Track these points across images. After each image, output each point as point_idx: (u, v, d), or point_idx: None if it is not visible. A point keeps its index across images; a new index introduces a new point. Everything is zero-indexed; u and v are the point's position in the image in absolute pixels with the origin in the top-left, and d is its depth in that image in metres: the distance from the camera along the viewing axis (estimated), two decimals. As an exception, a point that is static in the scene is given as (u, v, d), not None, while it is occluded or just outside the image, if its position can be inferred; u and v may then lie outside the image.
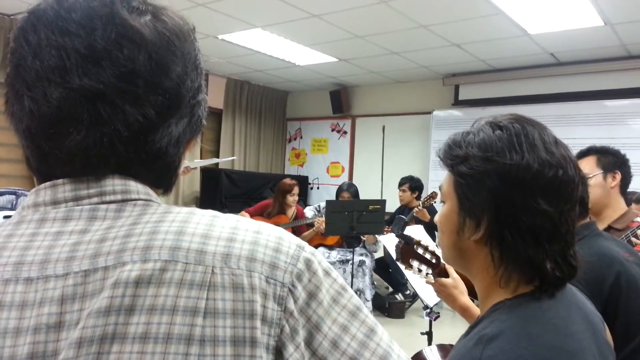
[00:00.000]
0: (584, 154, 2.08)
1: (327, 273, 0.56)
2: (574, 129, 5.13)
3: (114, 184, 0.57)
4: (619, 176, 2.02)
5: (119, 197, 0.56)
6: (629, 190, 2.13)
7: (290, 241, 0.56)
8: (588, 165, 2.03)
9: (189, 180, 6.63)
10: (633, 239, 1.82)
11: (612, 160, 2.03)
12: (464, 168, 0.85)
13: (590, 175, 1.98)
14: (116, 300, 0.49)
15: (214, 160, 5.95)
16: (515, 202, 0.81)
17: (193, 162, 4.77)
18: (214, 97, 6.68)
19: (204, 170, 6.69)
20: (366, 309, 0.58)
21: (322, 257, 0.58)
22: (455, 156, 0.88)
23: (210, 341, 0.49)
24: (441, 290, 1.40)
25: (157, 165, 0.59)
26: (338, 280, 0.57)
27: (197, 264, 0.51)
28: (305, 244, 0.58)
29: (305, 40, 5.06)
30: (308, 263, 0.55)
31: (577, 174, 0.85)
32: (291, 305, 0.52)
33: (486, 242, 0.85)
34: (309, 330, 0.53)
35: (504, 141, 0.83)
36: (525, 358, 0.75)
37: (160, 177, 0.61)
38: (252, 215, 4.64)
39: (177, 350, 0.48)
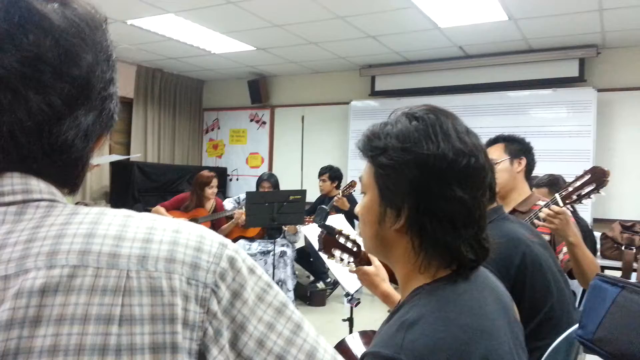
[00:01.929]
0: (492, 141, 2.21)
1: (251, 271, 0.54)
2: (481, 119, 5.43)
3: (13, 183, 0.51)
4: (524, 162, 2.16)
5: (19, 197, 0.51)
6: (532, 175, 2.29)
7: (212, 239, 0.53)
8: (496, 152, 2.15)
9: (97, 174, 6.26)
10: (535, 221, 1.94)
11: (518, 147, 2.17)
12: (383, 159, 0.87)
13: (498, 161, 2.09)
14: (19, 311, 0.44)
15: (119, 157, 5.61)
16: (433, 190, 0.84)
17: (99, 158, 4.49)
18: (123, 85, 6.33)
19: (114, 163, 6.32)
20: (292, 305, 0.56)
21: (246, 255, 0.55)
22: (374, 147, 0.89)
23: (127, 350, 0.45)
24: (364, 278, 1.42)
25: (62, 161, 0.54)
26: (263, 277, 0.55)
27: (110, 268, 0.47)
28: (228, 241, 0.55)
29: (221, 27, 4.93)
30: (232, 261, 0.52)
31: (487, 161, 0.89)
32: (214, 306, 0.50)
33: (407, 230, 0.87)
34: (233, 331, 0.50)
35: (421, 132, 0.85)
36: (445, 340, 0.77)
37: (66, 174, 0.56)
38: (168, 210, 4.47)
39: None
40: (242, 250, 0.55)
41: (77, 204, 0.55)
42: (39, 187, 0.52)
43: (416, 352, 0.75)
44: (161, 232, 0.52)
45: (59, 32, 0.51)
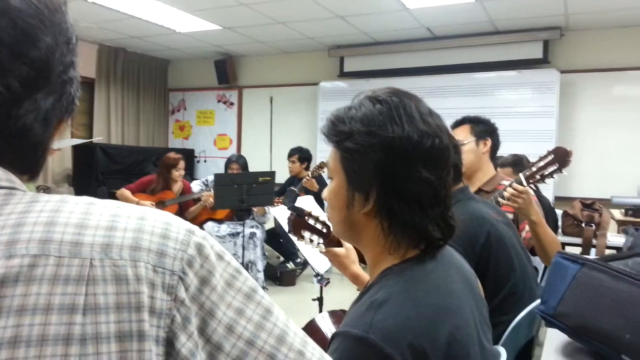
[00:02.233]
0: (459, 123, 2.24)
1: (220, 257, 0.53)
2: (447, 100, 5.49)
3: None
4: (489, 143, 2.20)
5: None
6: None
7: (179, 226, 0.52)
8: (462, 133, 2.18)
9: (59, 156, 6.07)
10: (500, 200, 1.99)
11: (484, 128, 2.20)
12: (349, 144, 0.87)
13: (465, 142, 2.13)
14: None
15: (80, 141, 5.44)
16: (400, 172, 0.85)
17: (60, 142, 4.34)
18: (84, 65, 6.11)
19: (76, 145, 6.13)
20: (261, 290, 0.56)
21: (214, 241, 0.54)
22: (339, 132, 0.89)
23: (92, 339, 0.44)
24: (334, 260, 1.43)
25: (21, 146, 0.52)
26: (232, 263, 0.54)
27: (73, 257, 0.46)
28: (195, 228, 0.54)
29: (186, 5, 4.80)
30: (199, 248, 0.52)
31: (450, 141, 0.90)
32: (182, 293, 0.49)
33: (375, 214, 0.88)
34: (202, 317, 0.50)
35: (385, 115, 0.86)
36: (413, 319, 0.79)
37: (26, 160, 0.54)
38: (134, 192, 4.38)
39: (55, 352, 0.43)
40: (210, 237, 0.54)
41: (38, 187, 0.53)
42: None
43: (385, 330, 0.77)
44: (125, 219, 0.50)
45: (16, 12, 0.49)
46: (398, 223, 0.87)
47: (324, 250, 1.44)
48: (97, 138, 6.09)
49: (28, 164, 0.55)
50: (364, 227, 0.91)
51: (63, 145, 4.54)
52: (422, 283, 0.85)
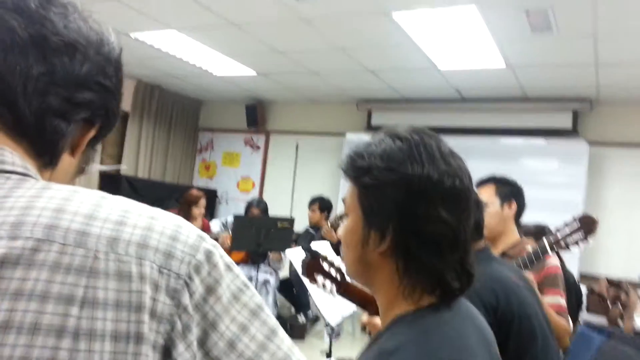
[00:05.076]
0: (484, 181, 2.20)
1: (228, 267, 0.51)
2: (472, 162, 5.22)
3: None
4: (514, 205, 2.15)
5: None
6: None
7: (190, 230, 0.50)
8: (487, 193, 2.14)
9: (85, 183, 6.19)
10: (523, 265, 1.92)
11: (509, 190, 2.16)
12: (367, 179, 0.85)
13: (489, 203, 2.08)
14: None
15: (103, 167, 5.56)
16: (418, 211, 0.82)
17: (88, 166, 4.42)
18: (121, 98, 6.33)
19: (103, 175, 6.27)
20: (268, 309, 0.53)
21: (224, 252, 0.52)
22: (358, 167, 0.87)
23: (86, 334, 0.42)
24: (374, 330, 1.39)
25: (47, 131, 0.53)
26: (240, 276, 0.52)
27: (77, 247, 0.44)
28: (206, 235, 0.52)
29: (223, 48, 4.97)
30: (209, 255, 0.49)
31: (470, 183, 0.88)
32: (186, 299, 0.46)
33: (391, 253, 0.85)
34: (203, 328, 0.47)
35: (405, 152, 0.84)
36: None
37: (46, 146, 0.54)
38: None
39: (45, 343, 0.41)
40: (220, 247, 0.52)
41: None
42: (13, 159, 0.50)
43: (394, 382, 0.72)
44: (136, 216, 0.49)
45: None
46: (414, 265, 0.83)
47: (336, 296, 1.39)
48: (123, 167, 6.20)
49: (46, 147, 0.55)
50: (379, 267, 0.87)
51: (90, 170, 4.64)
52: (435, 334, 0.81)
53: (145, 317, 0.44)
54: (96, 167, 4.81)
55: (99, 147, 0.62)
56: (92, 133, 0.59)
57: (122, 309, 0.44)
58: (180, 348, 0.45)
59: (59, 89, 0.53)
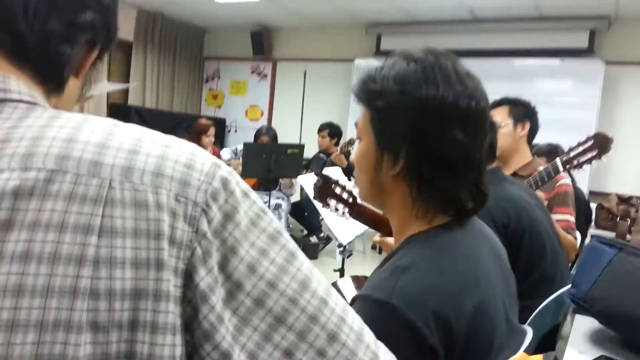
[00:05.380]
0: (497, 103, 2.17)
1: (245, 194, 0.51)
2: (485, 85, 5.25)
3: None
4: (527, 126, 2.13)
5: None
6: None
7: (204, 157, 0.50)
8: (500, 115, 2.11)
9: (93, 114, 6.18)
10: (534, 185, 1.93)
11: (523, 111, 2.13)
12: (380, 102, 0.84)
13: (502, 125, 2.06)
14: None
15: (117, 86, 5.50)
16: (432, 133, 0.81)
17: (95, 87, 4.37)
18: (123, 28, 6.13)
19: (112, 106, 6.24)
20: (287, 234, 0.53)
21: (240, 178, 0.52)
22: (370, 91, 0.85)
23: (105, 262, 0.42)
24: (387, 249, 1.42)
25: (51, 52, 0.52)
26: (257, 202, 0.52)
27: (91, 176, 0.44)
28: (222, 162, 0.51)
29: (226, -28, 4.76)
30: (225, 182, 0.49)
31: (487, 105, 0.86)
32: (204, 226, 0.46)
33: (404, 176, 0.85)
34: (223, 253, 0.47)
35: (419, 74, 0.82)
36: (438, 287, 0.76)
37: (51, 69, 0.53)
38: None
39: (66, 272, 0.41)
40: (235, 173, 0.52)
41: None
42: (19, 88, 0.49)
43: (408, 296, 0.74)
44: (149, 144, 0.48)
45: None
46: (427, 187, 0.83)
47: (349, 218, 1.41)
48: (130, 85, 6.15)
49: (53, 74, 0.54)
50: (392, 190, 0.87)
51: (98, 90, 4.60)
52: (450, 251, 0.82)
53: (165, 244, 0.44)
54: (103, 87, 4.77)
55: (102, 71, 0.60)
56: (94, 54, 0.58)
57: (141, 237, 0.44)
58: (201, 272, 0.46)
59: (60, 11, 0.51)
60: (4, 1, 0.49)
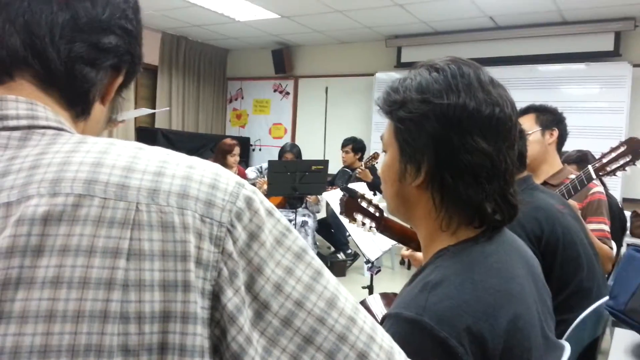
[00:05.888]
0: (523, 111, 2.13)
1: (269, 213, 0.51)
2: (510, 93, 5.26)
3: (18, 108, 0.49)
4: (556, 133, 2.08)
5: (23, 122, 0.49)
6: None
7: (228, 178, 0.50)
8: (527, 122, 2.07)
9: (122, 138, 6.32)
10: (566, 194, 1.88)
11: (550, 118, 2.09)
12: (402, 113, 0.83)
13: (530, 132, 2.02)
14: (20, 239, 0.42)
15: (146, 111, 5.63)
16: (454, 142, 0.80)
17: (124, 113, 4.48)
18: (148, 52, 6.29)
19: (139, 130, 6.38)
20: (312, 252, 0.53)
21: (264, 197, 0.52)
22: (393, 102, 0.85)
23: (135, 285, 0.43)
24: (416, 264, 1.40)
25: (77, 77, 0.53)
26: (282, 220, 0.52)
27: (118, 200, 0.44)
28: (245, 181, 0.52)
29: (246, -6, 4.85)
30: (249, 201, 0.49)
31: (513, 112, 0.85)
32: (230, 246, 0.46)
33: (427, 186, 0.84)
34: (249, 273, 0.47)
35: (441, 82, 0.81)
36: (470, 303, 0.74)
37: (76, 95, 0.54)
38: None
39: (96, 296, 0.42)
40: (259, 192, 0.52)
41: None
42: (46, 114, 0.50)
43: (439, 313, 0.72)
44: (174, 166, 0.49)
45: None
46: (450, 197, 0.82)
47: (376, 233, 1.40)
48: (161, 109, 6.27)
49: (76, 97, 0.55)
50: (416, 201, 0.87)
51: (128, 116, 4.70)
52: (481, 265, 0.80)
53: (192, 265, 0.45)
54: (132, 113, 4.86)
55: (129, 96, 0.61)
56: (119, 80, 0.59)
57: (169, 259, 0.44)
58: (229, 293, 0.46)
59: (84, 35, 0.52)
60: (31, 25, 0.50)
